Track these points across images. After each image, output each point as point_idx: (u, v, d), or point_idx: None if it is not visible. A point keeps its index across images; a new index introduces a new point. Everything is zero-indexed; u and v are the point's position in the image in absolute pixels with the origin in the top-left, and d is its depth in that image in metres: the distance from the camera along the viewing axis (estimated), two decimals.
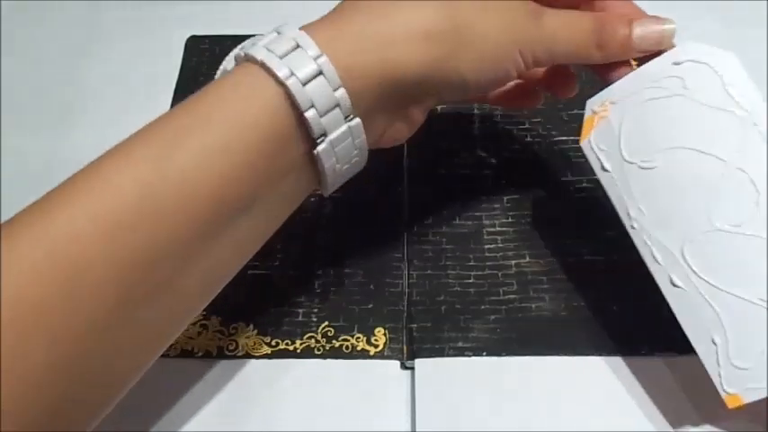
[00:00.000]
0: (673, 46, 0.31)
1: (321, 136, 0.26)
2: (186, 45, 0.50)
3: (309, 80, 0.25)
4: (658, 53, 0.31)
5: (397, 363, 0.36)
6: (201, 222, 0.25)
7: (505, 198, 0.41)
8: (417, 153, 0.43)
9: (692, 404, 0.34)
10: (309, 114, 0.26)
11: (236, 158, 0.25)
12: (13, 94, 0.48)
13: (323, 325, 0.37)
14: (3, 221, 0.26)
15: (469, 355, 0.36)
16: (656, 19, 0.31)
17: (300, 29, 0.27)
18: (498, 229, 0.40)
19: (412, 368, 0.36)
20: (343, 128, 0.27)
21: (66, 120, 0.47)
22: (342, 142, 0.27)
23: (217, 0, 0.52)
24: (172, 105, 0.46)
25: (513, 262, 0.39)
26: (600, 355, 0.36)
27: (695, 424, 0.33)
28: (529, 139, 0.44)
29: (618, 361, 0.35)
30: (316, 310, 0.38)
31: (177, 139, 0.25)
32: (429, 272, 0.39)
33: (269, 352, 0.37)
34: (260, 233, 0.29)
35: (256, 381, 0.36)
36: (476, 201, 0.40)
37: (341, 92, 0.26)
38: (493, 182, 0.42)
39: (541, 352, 0.36)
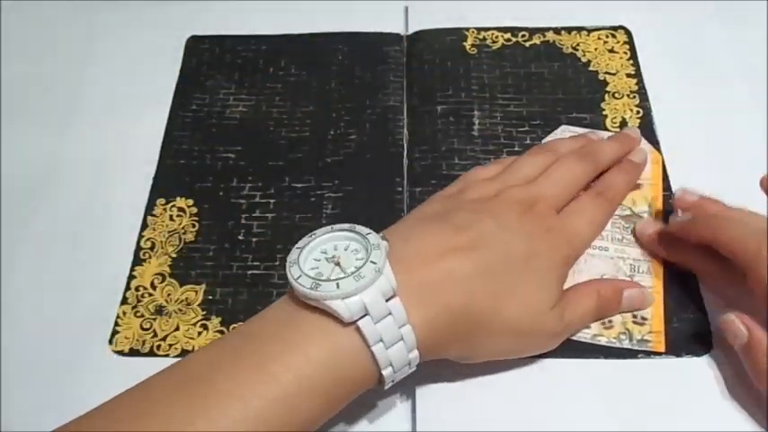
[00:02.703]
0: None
1: (390, 382, 0.31)
2: (186, 45, 0.50)
3: (392, 345, 0.29)
4: None
5: None
6: None
7: None
8: (417, 153, 0.43)
9: (690, 405, 0.34)
10: (386, 373, 0.30)
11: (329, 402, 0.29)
12: (13, 94, 0.48)
13: None
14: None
15: None
16: (633, 284, 0.37)
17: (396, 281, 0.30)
18: None
19: (412, 368, 0.36)
20: (406, 369, 0.31)
21: (66, 120, 0.47)
22: (402, 373, 0.31)
23: (217, 0, 0.52)
24: (172, 106, 0.47)
25: None
26: (600, 357, 0.36)
27: (693, 425, 0.33)
28: (528, 141, 0.44)
29: (617, 363, 0.35)
30: None
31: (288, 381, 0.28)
32: None
33: None
34: None
35: None
36: None
37: (414, 353, 0.30)
38: None
39: (541, 354, 0.36)
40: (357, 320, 0.29)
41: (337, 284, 0.29)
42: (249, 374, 0.28)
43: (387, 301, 0.29)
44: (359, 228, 0.32)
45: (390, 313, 0.29)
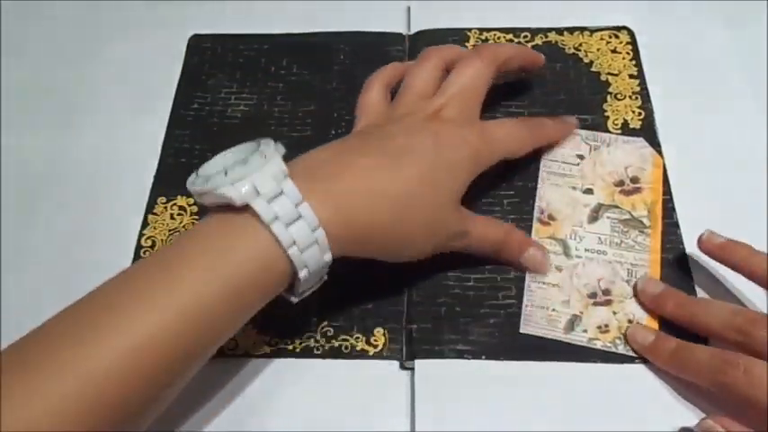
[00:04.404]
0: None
1: (303, 268, 0.31)
2: (189, 44, 0.50)
3: (291, 223, 0.30)
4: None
5: (397, 363, 0.36)
6: (203, 346, 0.30)
7: (506, 201, 0.41)
8: None
9: (687, 411, 0.34)
10: (292, 252, 0.30)
11: (232, 295, 0.29)
12: (13, 94, 0.48)
13: (322, 325, 0.38)
14: None
15: (468, 358, 0.36)
16: (541, 247, 0.38)
17: (298, 187, 0.30)
18: None
19: (411, 368, 0.36)
20: (315, 251, 0.31)
21: (66, 120, 0.47)
22: (318, 275, 0.32)
23: (217, 0, 0.52)
24: (173, 104, 0.47)
25: None
26: (597, 361, 0.36)
27: (691, 428, 0.33)
28: None
29: (615, 367, 0.35)
30: (315, 310, 0.38)
31: (182, 279, 0.29)
32: (429, 273, 0.39)
33: (269, 351, 0.37)
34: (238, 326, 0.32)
35: (256, 380, 0.36)
36: (476, 202, 0.40)
37: (319, 232, 0.30)
38: (493, 183, 0.42)
39: (539, 357, 0.36)
40: (250, 202, 0.29)
41: (225, 172, 0.30)
42: (157, 280, 0.29)
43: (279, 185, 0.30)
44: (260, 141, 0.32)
45: (283, 193, 0.30)
